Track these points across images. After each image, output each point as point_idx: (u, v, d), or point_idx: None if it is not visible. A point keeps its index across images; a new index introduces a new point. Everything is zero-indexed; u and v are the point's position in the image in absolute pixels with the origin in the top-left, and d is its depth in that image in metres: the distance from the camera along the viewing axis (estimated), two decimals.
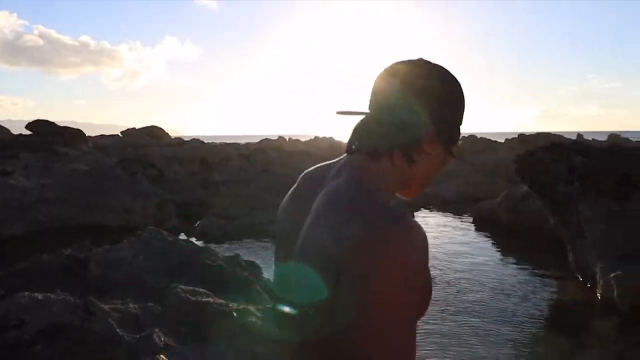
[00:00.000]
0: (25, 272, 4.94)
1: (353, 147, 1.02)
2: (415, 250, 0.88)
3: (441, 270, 8.61)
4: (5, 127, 22.26)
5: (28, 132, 20.07)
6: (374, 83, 1.04)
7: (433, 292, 1.01)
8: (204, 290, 4.32)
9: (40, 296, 3.23)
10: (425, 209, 15.53)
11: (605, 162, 7.32)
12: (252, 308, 4.38)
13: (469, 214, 14.32)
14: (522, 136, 22.51)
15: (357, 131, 1.03)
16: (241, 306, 4.32)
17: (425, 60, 1.03)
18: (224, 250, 8.97)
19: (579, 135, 23.92)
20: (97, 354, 2.94)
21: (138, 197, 12.39)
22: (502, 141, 23.22)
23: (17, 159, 14.31)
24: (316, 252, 0.91)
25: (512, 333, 6.27)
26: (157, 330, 3.33)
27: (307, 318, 0.91)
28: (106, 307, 3.33)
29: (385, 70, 1.03)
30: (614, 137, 24.38)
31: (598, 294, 7.21)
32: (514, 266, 9.26)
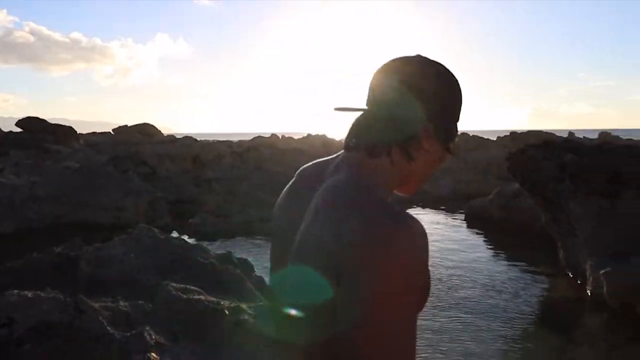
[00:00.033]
0: (15, 270, 4.90)
1: (351, 143, 1.02)
2: (416, 249, 0.87)
3: (433, 267, 8.64)
4: None
5: (18, 130, 19.90)
6: (372, 79, 1.03)
7: None
8: (195, 288, 4.31)
9: (30, 294, 3.20)
10: (418, 206, 15.58)
11: (596, 160, 7.37)
12: (244, 306, 4.37)
13: (461, 211, 14.39)
14: (514, 134, 22.62)
15: (355, 128, 1.03)
16: (233, 304, 4.31)
17: (423, 57, 1.02)
18: (216, 247, 8.95)
19: (570, 133, 24.08)
20: (87, 352, 2.93)
21: (129, 195, 12.33)
22: (494, 139, 23.33)
23: (8, 156, 14.20)
24: (315, 250, 0.90)
25: (503, 329, 6.31)
26: (148, 328, 3.31)
27: (312, 319, 0.90)
28: (97, 305, 3.31)
29: (383, 66, 1.03)
30: (604, 135, 24.57)
31: (588, 291, 7.27)
32: (506, 263, 9.32)
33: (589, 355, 5.83)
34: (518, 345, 6.00)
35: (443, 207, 15.49)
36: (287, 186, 1.12)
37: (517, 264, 9.14)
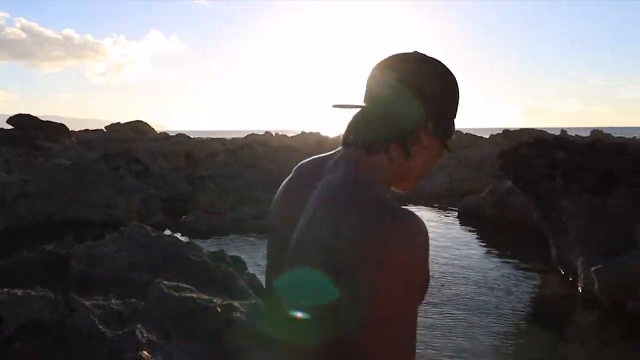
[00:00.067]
0: (6, 268, 4.86)
1: (349, 140, 1.01)
2: (415, 246, 0.87)
3: None
4: None
5: (9, 127, 19.74)
6: (369, 76, 1.03)
7: None
8: (187, 286, 4.29)
9: (19, 292, 3.18)
10: (411, 203, 15.63)
11: (587, 158, 7.41)
12: (236, 303, 4.36)
13: (454, 208, 14.44)
14: (506, 132, 22.72)
15: (353, 124, 1.02)
16: (225, 302, 4.30)
17: (421, 54, 1.02)
18: (209, 245, 8.93)
19: (563, 131, 24.22)
20: (78, 350, 2.91)
21: (121, 192, 12.27)
22: (488, 137, 23.42)
23: None
24: (315, 248, 0.90)
25: (495, 326, 6.34)
26: (139, 326, 3.30)
27: (318, 320, 0.88)
28: (88, 303, 3.29)
29: (381, 63, 1.02)
30: (596, 133, 24.72)
31: (579, 288, 7.32)
32: (498, 260, 9.37)
33: (580, 352, 5.87)
34: (510, 342, 6.04)
35: (436, 205, 15.54)
36: (285, 182, 1.10)
37: (509, 261, 9.19)
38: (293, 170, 1.11)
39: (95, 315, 3.21)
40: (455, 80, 1.02)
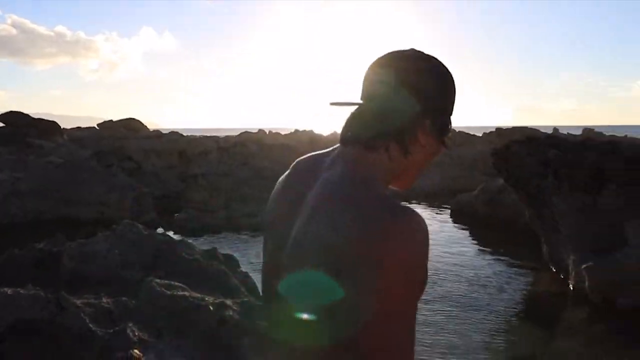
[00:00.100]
0: None
1: (347, 138, 1.01)
2: (415, 244, 0.87)
3: None
4: None
5: (1, 125, 19.58)
6: (367, 73, 1.03)
7: None
8: (179, 284, 4.28)
9: (9, 291, 3.15)
10: (404, 201, 15.64)
11: (578, 156, 7.45)
12: (228, 302, 4.35)
13: (446, 206, 14.49)
14: (499, 130, 22.81)
15: (351, 122, 1.02)
16: (218, 300, 4.29)
17: (417, 51, 1.02)
18: (201, 243, 8.91)
19: (555, 129, 24.35)
20: (68, 349, 2.89)
21: (113, 190, 12.20)
22: (480, 135, 23.49)
23: None
24: (314, 246, 0.89)
25: (487, 323, 6.38)
26: (131, 324, 3.29)
27: (325, 321, 0.88)
28: (78, 301, 3.27)
29: (378, 60, 1.02)
30: (588, 131, 24.88)
31: (571, 285, 7.37)
32: (490, 258, 9.41)
33: (570, 348, 5.92)
34: (501, 339, 6.08)
35: (429, 202, 15.58)
36: (282, 179, 1.10)
37: (501, 258, 9.23)
38: (290, 167, 1.10)
39: (86, 313, 3.20)
40: (452, 78, 1.03)
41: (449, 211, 13.96)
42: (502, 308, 6.92)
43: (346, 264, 0.84)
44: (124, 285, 4.25)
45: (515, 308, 7.05)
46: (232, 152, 16.51)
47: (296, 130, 27.12)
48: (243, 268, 6.03)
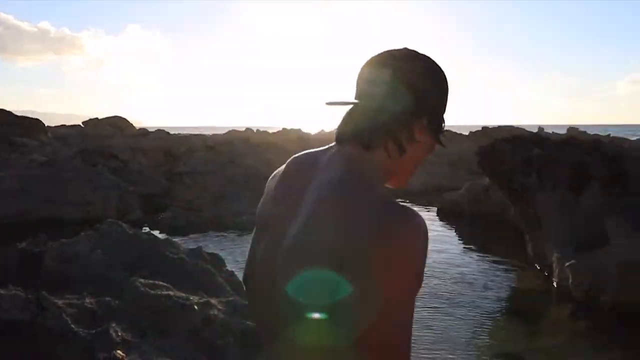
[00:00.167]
0: None
1: (344, 136, 1.01)
2: (419, 241, 0.89)
3: None
4: None
5: None
6: (361, 72, 1.03)
7: None
8: (164, 284, 4.25)
9: None
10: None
11: (561, 154, 7.55)
12: (214, 301, 4.33)
13: (433, 205, 14.56)
14: (485, 129, 22.99)
15: (348, 121, 1.02)
16: (203, 299, 4.27)
17: (411, 50, 1.03)
18: (187, 242, 8.86)
19: (540, 128, 24.60)
20: (49, 351, 2.86)
21: (99, 189, 12.08)
22: (467, 134, 23.66)
23: None
24: (316, 247, 0.89)
25: (472, 319, 6.44)
26: (114, 325, 3.26)
27: (333, 319, 0.88)
28: (60, 302, 3.24)
29: (372, 59, 1.03)
30: (572, 130, 25.19)
31: (554, 283, 7.46)
32: (476, 256, 9.49)
33: (554, 344, 5.99)
34: (486, 335, 6.14)
35: (415, 201, 15.65)
36: (277, 177, 1.09)
37: (487, 256, 9.31)
38: (285, 165, 1.10)
39: (68, 314, 3.16)
40: (445, 76, 1.04)
41: (436, 209, 14.04)
42: (487, 305, 6.98)
43: (351, 265, 0.85)
44: (107, 285, 4.21)
45: (500, 305, 7.12)
46: (219, 151, 16.43)
47: (284, 129, 27.07)
48: (229, 267, 6.01)
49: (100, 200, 12.03)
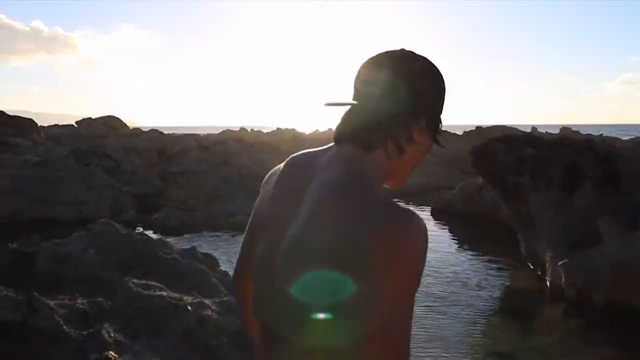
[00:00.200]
0: None
1: (343, 137, 1.01)
2: (419, 241, 0.90)
3: None
4: None
5: None
6: (359, 74, 1.04)
7: None
8: (157, 284, 4.23)
9: None
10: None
11: (554, 154, 7.59)
12: (207, 301, 4.32)
13: (427, 204, 14.59)
14: (479, 128, 23.06)
15: (347, 121, 1.03)
16: (196, 299, 4.26)
17: (409, 51, 1.04)
18: (181, 242, 8.84)
19: (533, 128, 24.71)
20: (41, 352, 2.84)
21: (92, 189, 12.02)
22: (461, 133, 23.72)
23: None
24: (317, 248, 0.90)
25: (465, 318, 6.46)
26: (106, 326, 3.24)
27: (339, 319, 0.89)
28: (52, 303, 3.22)
29: (372, 61, 1.03)
30: (565, 130, 25.32)
31: (547, 282, 7.50)
32: (469, 255, 9.52)
33: (547, 342, 6.02)
34: (480, 333, 6.16)
35: (409, 201, 15.67)
36: (276, 177, 1.08)
37: (480, 255, 9.34)
38: (283, 165, 1.09)
39: (60, 315, 3.14)
40: (442, 77, 1.05)
41: (430, 209, 14.07)
42: (481, 304, 7.01)
43: (351, 265, 0.86)
44: (99, 286, 4.19)
45: (493, 304, 7.15)
46: (212, 151, 16.39)
47: (278, 129, 27.06)
48: (223, 267, 5.99)
49: (94, 200, 11.97)
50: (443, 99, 1.06)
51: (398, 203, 0.93)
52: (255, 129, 28.33)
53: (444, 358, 5.38)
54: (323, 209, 0.92)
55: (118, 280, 4.19)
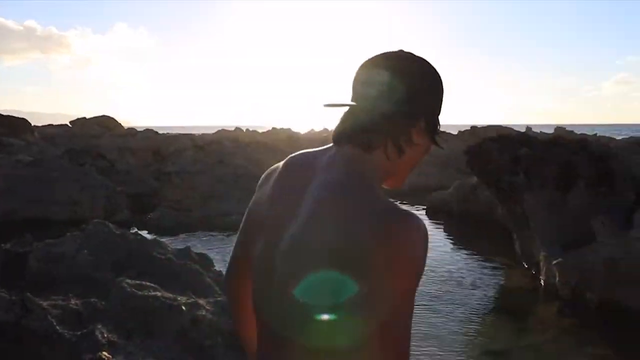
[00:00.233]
0: None
1: (343, 138, 1.02)
2: (419, 242, 0.91)
3: None
4: None
5: None
6: (358, 74, 1.04)
7: None
8: (151, 284, 4.22)
9: None
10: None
11: (548, 154, 7.62)
12: (202, 301, 4.31)
13: (422, 204, 14.61)
14: (474, 128, 23.13)
15: (346, 122, 1.03)
16: (190, 300, 4.25)
17: (407, 52, 1.04)
18: (176, 242, 8.82)
19: (528, 127, 24.80)
20: (34, 353, 2.83)
21: (86, 189, 11.97)
22: (455, 133, 23.78)
23: None
24: (318, 248, 0.90)
25: (460, 316, 6.49)
26: (100, 326, 3.23)
27: (342, 319, 0.89)
28: (45, 303, 3.20)
29: (371, 62, 1.03)
30: (559, 129, 25.43)
31: (541, 281, 7.53)
32: (464, 254, 9.55)
33: (541, 341, 6.05)
34: (474, 332, 6.19)
35: (405, 200, 15.70)
36: (274, 177, 1.08)
37: (475, 255, 9.38)
38: (282, 165, 1.09)
39: (53, 315, 3.13)
40: (440, 78, 1.06)
41: (424, 209, 14.10)
42: (475, 303, 7.03)
43: (351, 265, 0.86)
44: (93, 286, 4.17)
45: (487, 303, 7.18)
46: (207, 150, 16.35)
47: (274, 128, 27.04)
48: (217, 267, 5.98)
49: (88, 200, 11.92)
50: (441, 100, 1.06)
51: (399, 205, 0.94)
52: (251, 129, 28.32)
53: (438, 356, 5.39)
54: (323, 209, 0.92)
55: (112, 281, 4.17)
